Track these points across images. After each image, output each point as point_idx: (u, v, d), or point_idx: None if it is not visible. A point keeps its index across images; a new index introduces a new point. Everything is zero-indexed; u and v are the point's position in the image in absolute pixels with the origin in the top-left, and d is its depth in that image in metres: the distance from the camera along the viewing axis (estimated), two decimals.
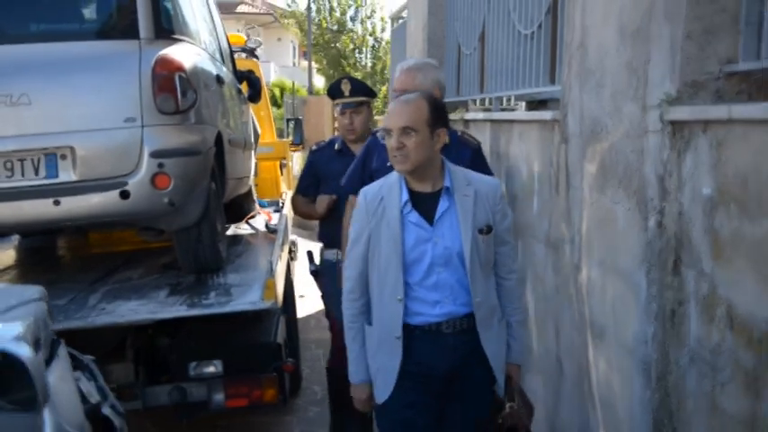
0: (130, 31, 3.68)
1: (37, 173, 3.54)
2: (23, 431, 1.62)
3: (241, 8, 34.36)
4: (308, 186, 4.24)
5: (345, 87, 4.04)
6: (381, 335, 2.61)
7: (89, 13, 3.93)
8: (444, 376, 2.61)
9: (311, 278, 4.51)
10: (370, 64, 21.66)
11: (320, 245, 4.28)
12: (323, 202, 4.07)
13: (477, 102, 5.24)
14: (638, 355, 2.46)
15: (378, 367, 2.65)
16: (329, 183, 4.01)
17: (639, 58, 2.44)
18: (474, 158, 3.28)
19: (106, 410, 2.34)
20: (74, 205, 3.54)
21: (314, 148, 4.27)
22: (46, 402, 1.57)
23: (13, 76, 3.50)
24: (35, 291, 2.27)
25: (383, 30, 20.99)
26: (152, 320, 3.40)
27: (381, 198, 2.59)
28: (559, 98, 3.25)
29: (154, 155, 3.53)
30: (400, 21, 8.85)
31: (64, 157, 3.53)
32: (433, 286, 2.55)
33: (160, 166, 3.55)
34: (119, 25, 3.78)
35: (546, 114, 3.38)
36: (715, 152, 2.03)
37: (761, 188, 1.83)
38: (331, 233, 3.96)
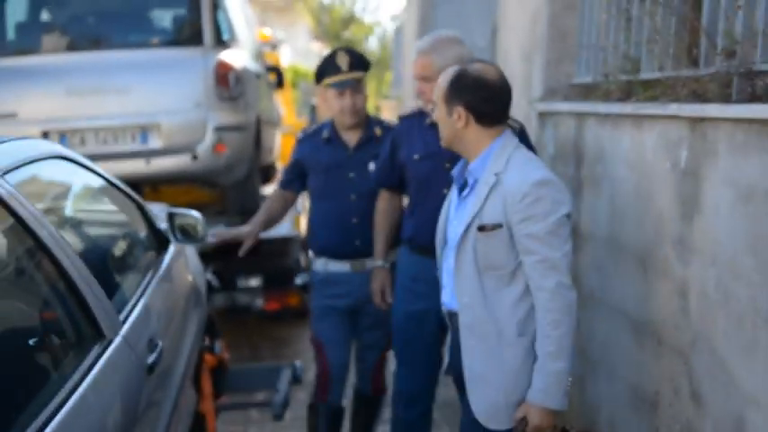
0: (198, 41, 5.21)
1: (134, 140, 5.10)
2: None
3: None
4: (291, 181, 3.52)
5: (343, 61, 3.27)
6: None
7: (169, 27, 5.50)
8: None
9: None
10: (377, 52, 23.13)
11: (310, 252, 3.57)
12: (221, 235, 3.68)
13: None
14: None
15: None
16: (318, 176, 3.39)
17: (528, 72, 3.99)
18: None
19: (208, 275, 3.93)
20: (159, 164, 5.09)
21: (300, 136, 3.56)
22: (205, 240, 3.16)
23: (119, 73, 5.04)
24: (162, 206, 3.83)
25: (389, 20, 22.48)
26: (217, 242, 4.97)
27: None
28: None
29: (215, 129, 5.07)
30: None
31: (153, 130, 5.08)
32: (444, 270, 2.43)
33: (219, 137, 5.10)
34: (189, 36, 5.32)
35: None
36: (555, 130, 3.58)
37: (570, 149, 3.37)
38: (323, 237, 3.41)
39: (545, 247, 2.18)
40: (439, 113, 2.33)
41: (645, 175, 2.65)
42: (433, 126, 2.57)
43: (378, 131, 3.35)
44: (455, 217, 2.35)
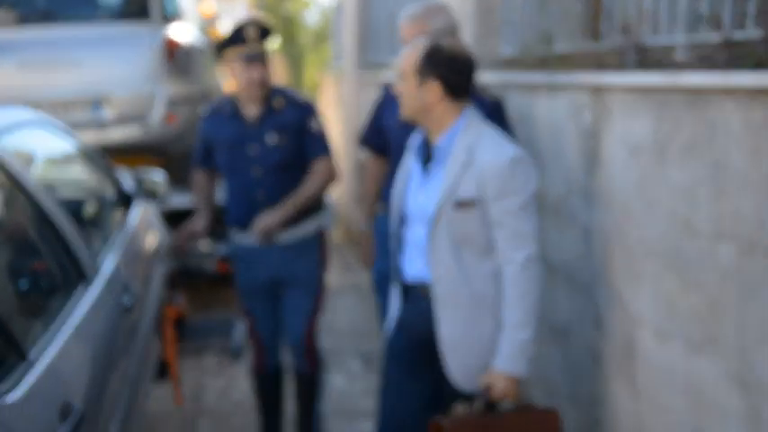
0: (144, 14, 5.44)
1: (86, 112, 5.33)
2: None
3: None
4: (204, 159, 3.45)
5: (252, 31, 3.17)
6: None
7: (116, 1, 5.72)
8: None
9: None
10: (316, 25, 23.23)
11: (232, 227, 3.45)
12: (182, 235, 3.57)
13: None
14: None
15: None
16: (223, 152, 3.33)
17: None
18: (489, 117, 2.66)
19: None
20: (113, 134, 5.34)
21: (204, 113, 3.48)
22: (166, 202, 3.47)
23: (69, 46, 5.26)
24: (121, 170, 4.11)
25: None
26: (172, 209, 5.24)
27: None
28: None
29: (165, 100, 5.33)
30: None
31: (105, 101, 5.32)
32: (409, 241, 2.45)
33: (169, 108, 5.36)
34: (137, 10, 5.54)
35: None
36: None
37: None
38: (243, 212, 3.33)
39: (517, 220, 2.26)
40: (407, 85, 2.32)
41: (557, 136, 3.06)
42: None
43: (278, 103, 3.25)
44: (420, 191, 2.39)
